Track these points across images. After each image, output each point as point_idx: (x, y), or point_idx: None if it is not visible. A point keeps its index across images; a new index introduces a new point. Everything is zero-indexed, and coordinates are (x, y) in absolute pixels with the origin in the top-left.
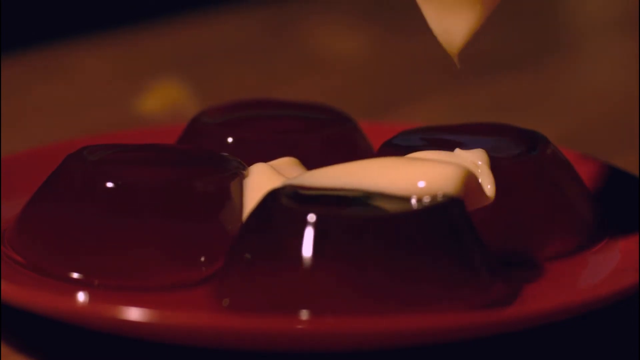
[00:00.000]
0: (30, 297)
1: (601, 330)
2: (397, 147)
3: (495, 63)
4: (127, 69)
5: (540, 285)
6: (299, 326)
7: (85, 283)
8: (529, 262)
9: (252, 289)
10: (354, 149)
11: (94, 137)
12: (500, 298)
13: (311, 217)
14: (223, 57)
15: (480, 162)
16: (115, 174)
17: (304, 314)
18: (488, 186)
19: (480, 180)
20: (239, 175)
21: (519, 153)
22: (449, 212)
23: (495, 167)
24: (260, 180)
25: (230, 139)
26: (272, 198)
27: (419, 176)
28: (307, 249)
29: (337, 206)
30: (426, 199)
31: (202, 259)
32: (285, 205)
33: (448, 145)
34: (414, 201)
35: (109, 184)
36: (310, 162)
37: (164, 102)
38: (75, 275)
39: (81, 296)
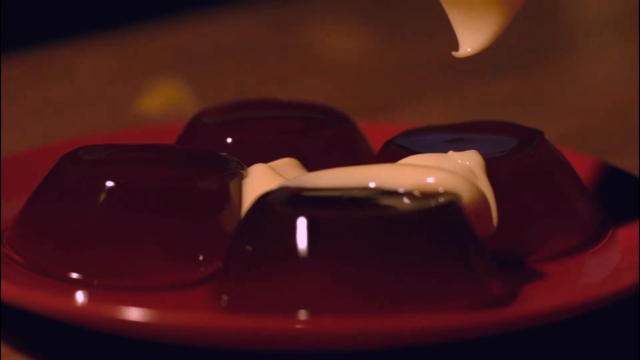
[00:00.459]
0: (30, 297)
1: (601, 330)
2: (398, 147)
3: (495, 63)
4: (127, 69)
5: (540, 285)
6: (298, 326)
7: (85, 283)
8: (528, 262)
9: (250, 289)
10: (353, 149)
11: (94, 137)
12: (500, 298)
13: (305, 219)
14: (223, 57)
15: (473, 166)
16: (111, 174)
17: (303, 314)
18: (485, 191)
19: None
20: (238, 176)
21: (517, 150)
22: (447, 212)
23: (492, 165)
24: (260, 181)
25: (229, 139)
26: (265, 200)
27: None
28: (303, 250)
29: (333, 207)
30: (424, 199)
31: (201, 259)
32: (278, 208)
33: (447, 145)
34: (412, 201)
35: (105, 184)
36: (310, 163)
37: (164, 102)
38: (74, 275)
39: (80, 296)
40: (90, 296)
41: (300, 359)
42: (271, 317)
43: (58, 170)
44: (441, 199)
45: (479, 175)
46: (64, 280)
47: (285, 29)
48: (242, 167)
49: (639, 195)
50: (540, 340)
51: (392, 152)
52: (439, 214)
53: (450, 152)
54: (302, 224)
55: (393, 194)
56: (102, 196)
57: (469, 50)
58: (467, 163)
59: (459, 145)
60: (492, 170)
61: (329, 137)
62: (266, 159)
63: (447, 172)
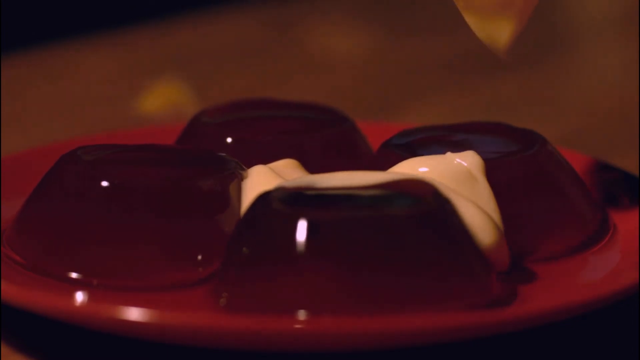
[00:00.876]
0: (30, 297)
1: (601, 330)
2: (395, 148)
3: (495, 63)
4: (127, 69)
5: (540, 285)
6: (297, 326)
7: (84, 283)
8: (528, 262)
9: (248, 288)
10: (353, 149)
11: (93, 137)
12: (500, 298)
13: (304, 219)
14: (223, 57)
15: (472, 167)
16: (111, 174)
17: (302, 314)
18: (485, 193)
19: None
20: (237, 176)
21: (516, 152)
22: (446, 212)
23: (492, 166)
24: (260, 182)
25: (229, 139)
26: (264, 200)
27: None
28: (302, 250)
29: (332, 207)
30: (423, 200)
31: (200, 259)
32: (276, 207)
33: (445, 145)
34: (411, 202)
35: (104, 184)
36: (310, 163)
37: (164, 102)
38: (74, 275)
39: (80, 296)
40: (90, 296)
41: (299, 359)
42: (269, 317)
43: (57, 170)
44: (440, 200)
45: (478, 177)
46: (63, 280)
47: (285, 29)
48: (242, 167)
49: (639, 195)
50: (540, 340)
51: (389, 154)
52: (438, 214)
53: (448, 154)
54: (300, 223)
55: (392, 194)
56: (102, 196)
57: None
58: (466, 165)
59: (457, 145)
60: (491, 170)
61: (329, 137)
62: (266, 159)
63: (476, 208)
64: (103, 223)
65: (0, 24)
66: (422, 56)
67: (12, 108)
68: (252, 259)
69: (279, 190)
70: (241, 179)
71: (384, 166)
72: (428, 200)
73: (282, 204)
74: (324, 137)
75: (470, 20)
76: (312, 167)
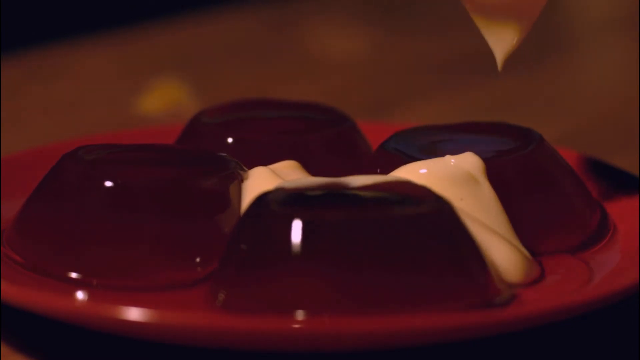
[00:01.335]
0: (30, 297)
1: (601, 330)
2: (393, 149)
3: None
4: (127, 69)
5: (540, 285)
6: (294, 326)
7: (84, 283)
8: None
9: (246, 288)
10: (353, 149)
11: (94, 137)
12: (499, 298)
13: (302, 220)
14: (223, 57)
15: (472, 169)
16: (111, 174)
17: (300, 314)
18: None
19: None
20: (237, 176)
21: (514, 150)
22: (444, 213)
23: (490, 166)
24: (260, 184)
25: (229, 139)
26: (262, 200)
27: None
28: (300, 251)
29: (330, 208)
30: (422, 201)
31: (199, 259)
32: (275, 208)
33: (443, 146)
34: (410, 203)
35: (104, 184)
36: (310, 163)
37: (164, 102)
38: (73, 275)
39: (80, 296)
40: (90, 296)
41: (297, 359)
42: (266, 317)
43: (57, 170)
44: (438, 201)
45: (480, 179)
46: (63, 280)
47: (285, 29)
48: (242, 167)
49: (639, 195)
50: (540, 340)
51: (387, 155)
52: (437, 215)
53: (448, 156)
54: (298, 224)
55: (390, 195)
56: (102, 196)
57: (499, 58)
58: (466, 167)
59: (455, 146)
60: (489, 170)
61: (329, 137)
62: (266, 158)
63: (513, 248)
64: (103, 223)
65: (0, 24)
66: (422, 56)
67: (12, 108)
68: (249, 259)
69: (277, 191)
70: (241, 179)
71: (382, 167)
72: (427, 201)
73: (280, 205)
74: (324, 137)
75: (479, 24)
76: (312, 167)
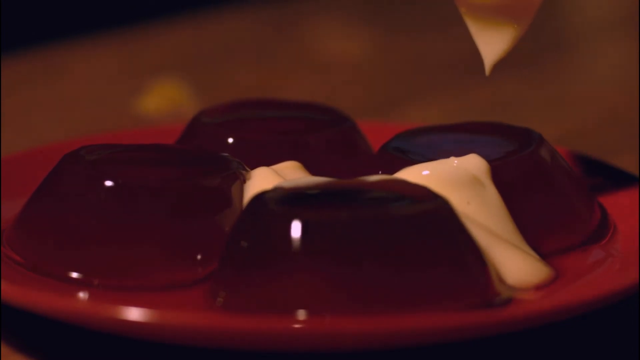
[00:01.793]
0: (30, 297)
1: (601, 330)
2: (396, 151)
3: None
4: (127, 69)
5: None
6: (293, 326)
7: (85, 283)
8: None
9: (245, 288)
10: (353, 149)
11: (94, 137)
12: (499, 298)
13: (300, 219)
14: (223, 57)
15: (477, 172)
16: (112, 173)
17: (299, 314)
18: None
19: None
20: (239, 176)
21: (515, 151)
22: (444, 211)
23: (493, 167)
24: (262, 184)
25: (229, 139)
26: (260, 200)
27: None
28: (299, 250)
29: (329, 207)
30: (421, 200)
31: (200, 259)
32: (273, 207)
33: (446, 147)
34: (409, 202)
35: (105, 184)
36: (310, 162)
37: (164, 102)
38: (74, 275)
39: (80, 296)
40: (90, 296)
41: (296, 359)
42: (266, 317)
43: (59, 170)
44: (437, 200)
45: (485, 182)
46: (63, 280)
47: (285, 28)
48: (244, 167)
49: (639, 195)
50: (540, 340)
51: (390, 157)
52: (436, 214)
53: (452, 158)
54: (296, 223)
55: (389, 195)
56: (102, 196)
57: (489, 62)
58: (471, 169)
59: (458, 147)
60: (493, 172)
61: (329, 137)
62: (266, 158)
63: (525, 255)
64: (104, 223)
65: (0, 24)
66: (422, 56)
67: (13, 108)
68: (248, 258)
69: (275, 190)
70: (243, 179)
71: (384, 169)
72: (426, 200)
73: (278, 204)
74: (324, 137)
75: (471, 27)
76: (312, 166)
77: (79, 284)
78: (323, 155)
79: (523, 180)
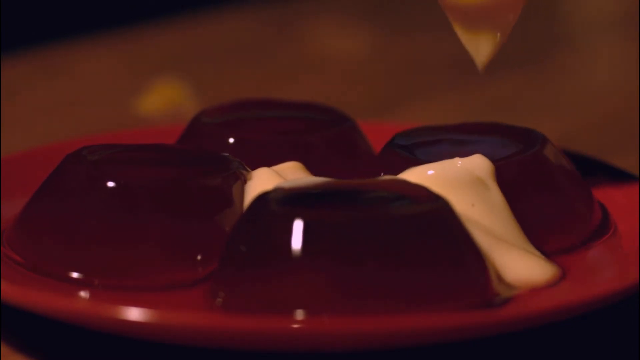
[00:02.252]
0: (30, 297)
1: (601, 330)
2: (400, 149)
3: (495, 63)
4: (127, 69)
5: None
6: (293, 326)
7: (85, 283)
8: None
9: (245, 288)
10: (354, 149)
11: (94, 137)
12: (499, 298)
13: (301, 219)
14: (223, 57)
15: (482, 173)
16: (114, 174)
17: (299, 314)
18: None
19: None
20: (239, 176)
21: (518, 151)
22: (444, 211)
23: (497, 167)
24: (263, 184)
25: (230, 139)
26: (261, 201)
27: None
28: (299, 250)
29: (329, 207)
30: (421, 200)
31: (200, 259)
32: (274, 207)
33: (449, 146)
34: (409, 202)
35: (108, 184)
36: (310, 162)
37: (164, 102)
38: (74, 274)
39: (80, 296)
40: (90, 296)
41: (296, 359)
42: (266, 317)
43: (60, 170)
44: (437, 201)
45: (489, 183)
46: (63, 280)
47: (285, 28)
48: (245, 168)
49: (639, 195)
50: (540, 340)
51: (394, 156)
52: (436, 215)
53: (456, 159)
54: (298, 223)
55: (390, 195)
56: (103, 196)
57: (479, 63)
58: (476, 170)
59: (461, 147)
60: (497, 172)
61: (329, 137)
62: (266, 158)
63: (532, 256)
64: (105, 223)
65: (0, 24)
66: (422, 56)
67: (13, 108)
68: (249, 258)
69: (276, 190)
70: (244, 179)
71: (386, 169)
72: (427, 201)
73: (279, 204)
74: (324, 137)
75: (459, 32)
76: (312, 166)
77: (79, 284)
78: (323, 155)
79: (527, 180)
